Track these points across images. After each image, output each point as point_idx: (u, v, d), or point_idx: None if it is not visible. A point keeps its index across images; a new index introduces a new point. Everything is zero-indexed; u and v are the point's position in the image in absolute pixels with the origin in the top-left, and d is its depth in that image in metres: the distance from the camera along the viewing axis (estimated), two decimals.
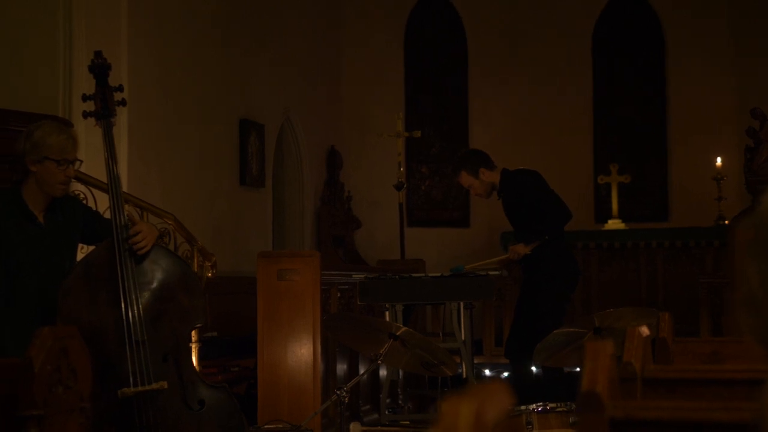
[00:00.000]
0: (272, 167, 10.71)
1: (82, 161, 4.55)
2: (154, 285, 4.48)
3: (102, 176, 4.91)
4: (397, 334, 4.55)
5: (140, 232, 4.42)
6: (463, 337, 6.33)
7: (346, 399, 4.52)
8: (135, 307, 4.34)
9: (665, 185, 12.78)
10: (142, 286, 4.43)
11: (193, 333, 5.93)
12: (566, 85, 12.75)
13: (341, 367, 7.32)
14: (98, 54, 4.63)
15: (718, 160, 11.47)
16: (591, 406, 1.78)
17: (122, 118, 7.49)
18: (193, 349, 6.13)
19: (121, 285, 4.34)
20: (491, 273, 6.53)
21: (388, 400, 7.12)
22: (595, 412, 1.77)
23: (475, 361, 9.06)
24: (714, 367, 2.63)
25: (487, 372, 9.33)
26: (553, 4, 12.84)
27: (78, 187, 6.38)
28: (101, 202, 6.04)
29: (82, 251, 4.80)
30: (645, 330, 2.72)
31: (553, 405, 4.36)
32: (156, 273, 4.50)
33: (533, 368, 7.14)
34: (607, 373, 1.84)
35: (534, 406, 4.31)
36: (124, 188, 6.63)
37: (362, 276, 6.62)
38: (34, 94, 7.31)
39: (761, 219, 1.22)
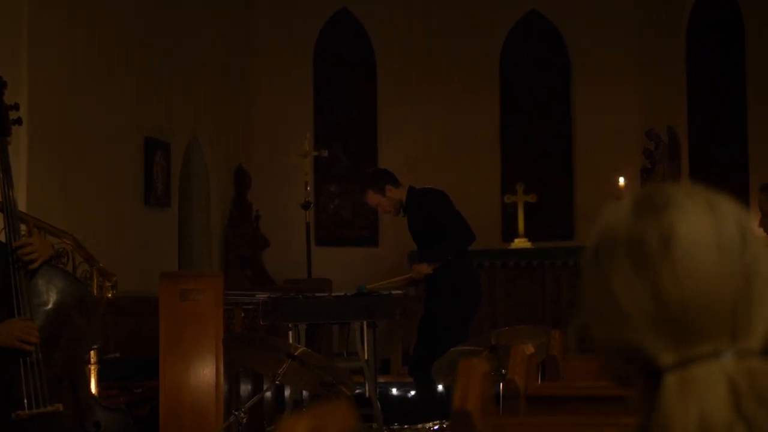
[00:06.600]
0: (178, 187, 10.63)
1: None
2: (49, 306, 4.41)
3: None
4: (295, 354, 4.55)
5: (30, 244, 4.35)
6: (366, 357, 6.33)
7: (244, 420, 4.50)
8: None
9: (571, 204, 12.98)
10: (37, 308, 4.35)
11: (92, 354, 5.86)
12: (474, 105, 12.89)
13: (245, 388, 7.29)
14: None
15: (621, 179, 11.67)
16: (462, 424, 1.80)
17: (21, 136, 7.37)
18: (93, 371, 6.05)
19: (15, 306, 4.27)
20: (394, 292, 6.55)
21: None
22: (465, 430, 1.79)
23: (382, 381, 9.08)
24: (595, 384, 2.67)
25: (393, 391, 9.34)
26: (461, 24, 12.98)
27: None
28: None
29: None
30: (529, 348, 2.76)
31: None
32: (51, 294, 4.43)
33: (440, 387, 7.18)
34: (479, 391, 1.86)
35: (431, 424, 4.33)
36: (23, 208, 6.54)
37: (266, 296, 6.60)
38: None
39: (606, 236, 1.25)
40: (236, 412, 4.50)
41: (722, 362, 1.15)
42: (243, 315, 7.35)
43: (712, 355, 1.16)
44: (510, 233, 12.23)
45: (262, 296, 6.65)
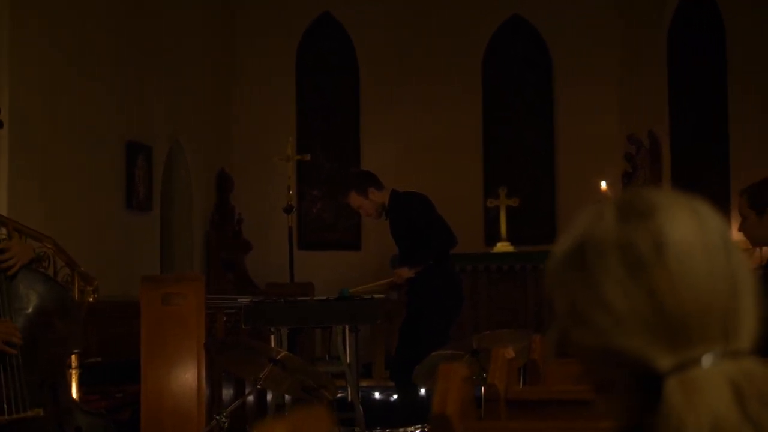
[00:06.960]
0: (160, 190, 10.60)
1: None
2: (30, 310, 4.39)
3: None
4: (277, 358, 4.54)
5: (8, 250, 4.34)
6: (348, 361, 6.33)
7: (226, 424, 4.49)
8: None
9: (553, 208, 13.00)
10: (17, 312, 4.34)
11: (73, 358, 5.84)
12: (456, 109, 12.90)
13: (227, 392, 7.28)
14: None
15: (603, 184, 11.70)
16: (441, 429, 1.80)
17: (2, 140, 7.35)
18: (74, 375, 6.03)
19: None
20: (376, 296, 6.55)
21: None
22: None
23: (365, 385, 9.08)
24: (574, 388, 2.68)
25: (376, 395, 9.34)
26: (444, 28, 13.00)
27: None
28: None
29: None
30: (509, 352, 2.76)
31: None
32: (31, 298, 4.42)
33: (422, 391, 7.17)
34: (459, 395, 1.86)
35: (413, 428, 4.33)
36: (4, 212, 6.52)
37: (248, 300, 6.59)
38: None
39: (590, 241, 1.25)
40: (218, 417, 4.50)
41: (721, 364, 1.16)
42: (225, 319, 7.33)
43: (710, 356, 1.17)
44: (492, 237, 12.24)
45: (244, 300, 6.63)
